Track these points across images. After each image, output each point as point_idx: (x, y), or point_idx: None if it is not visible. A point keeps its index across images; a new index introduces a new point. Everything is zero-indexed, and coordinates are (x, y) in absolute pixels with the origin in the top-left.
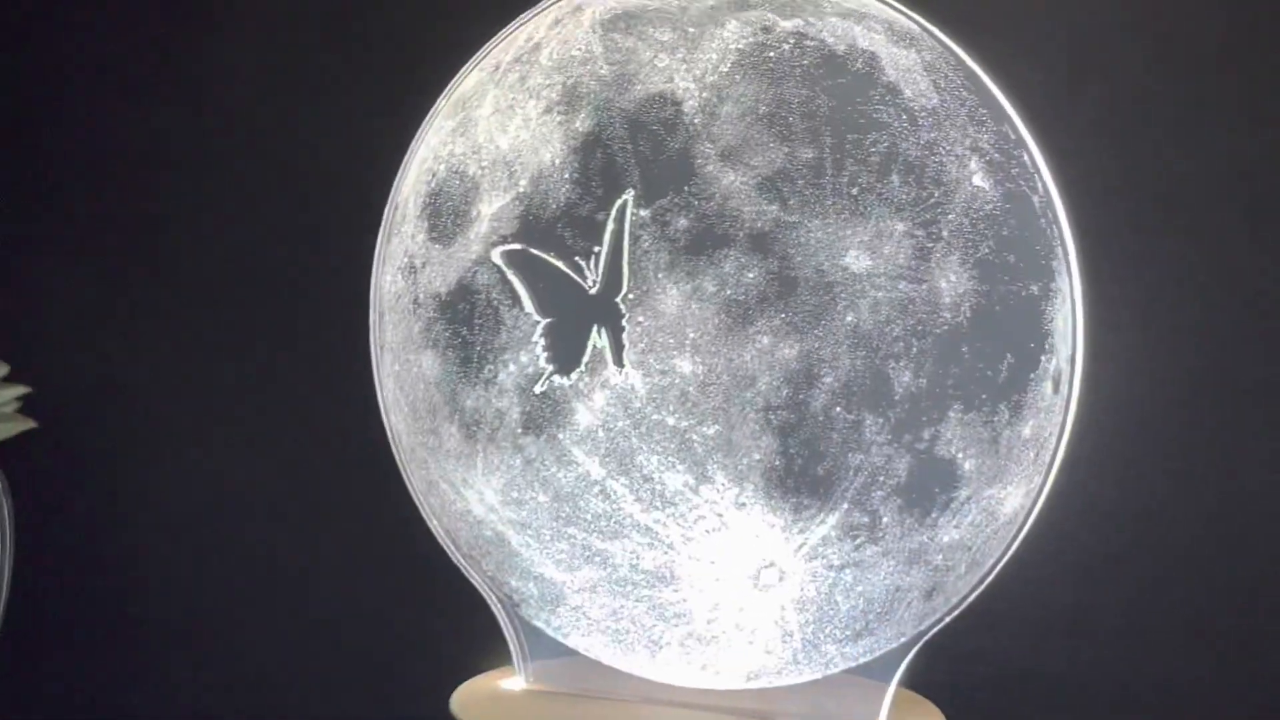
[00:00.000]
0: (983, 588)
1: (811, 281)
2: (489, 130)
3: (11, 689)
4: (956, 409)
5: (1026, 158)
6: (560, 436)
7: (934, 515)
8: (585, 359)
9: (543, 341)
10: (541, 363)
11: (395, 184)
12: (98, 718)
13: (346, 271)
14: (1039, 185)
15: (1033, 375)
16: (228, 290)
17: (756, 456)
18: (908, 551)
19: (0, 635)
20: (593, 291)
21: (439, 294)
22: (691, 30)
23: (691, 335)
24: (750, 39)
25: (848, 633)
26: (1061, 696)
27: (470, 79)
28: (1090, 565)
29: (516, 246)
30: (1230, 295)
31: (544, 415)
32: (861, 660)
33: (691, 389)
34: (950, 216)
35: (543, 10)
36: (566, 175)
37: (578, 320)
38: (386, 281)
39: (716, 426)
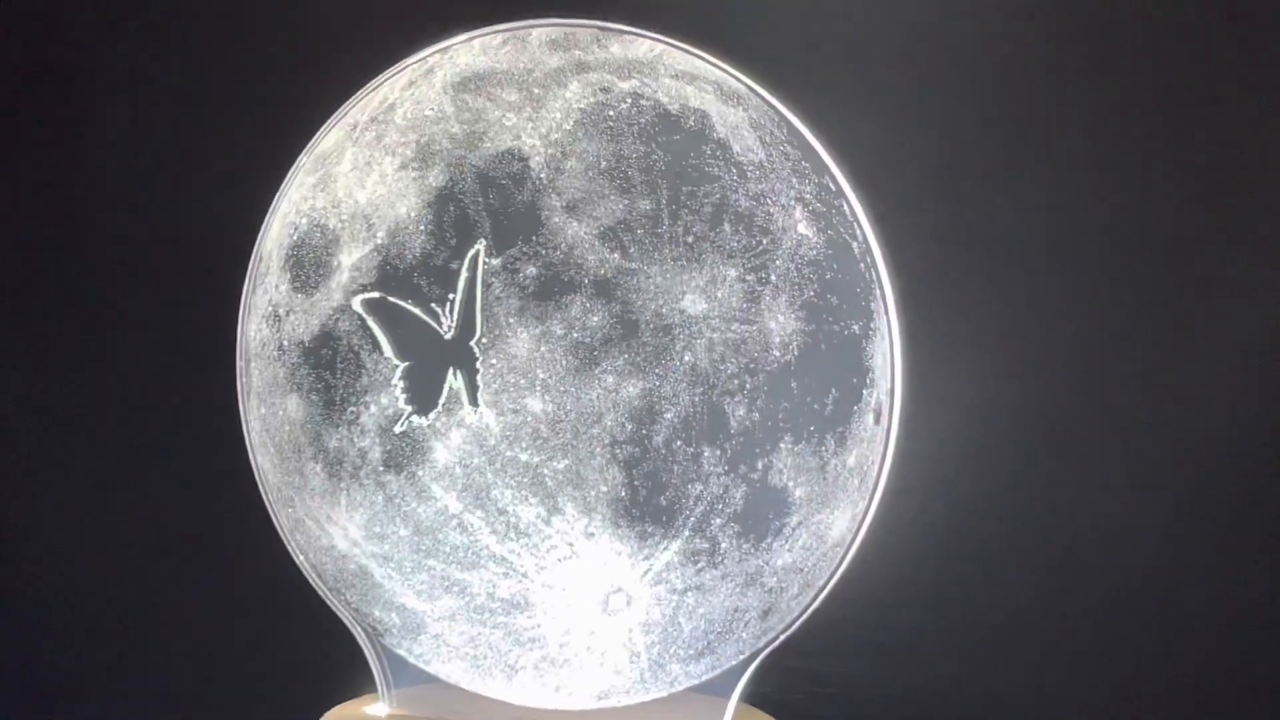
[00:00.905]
0: (814, 606)
1: (652, 324)
2: (348, 185)
3: None
4: (787, 440)
5: (846, 207)
6: (419, 473)
7: (768, 540)
8: (442, 400)
9: (402, 384)
10: (401, 404)
11: (259, 237)
12: None
13: (214, 320)
14: (858, 233)
15: (856, 408)
16: (98, 337)
17: (604, 488)
18: (745, 574)
19: None
20: (448, 336)
21: (302, 341)
22: (536, 91)
23: (541, 375)
24: (591, 99)
25: (690, 652)
26: (893, 707)
27: (330, 138)
28: (914, 583)
29: (375, 295)
30: (1034, 331)
31: (404, 453)
32: (704, 678)
33: (542, 426)
34: (778, 262)
35: (397, 73)
36: (422, 227)
37: (434, 363)
38: (252, 329)
39: (566, 461)
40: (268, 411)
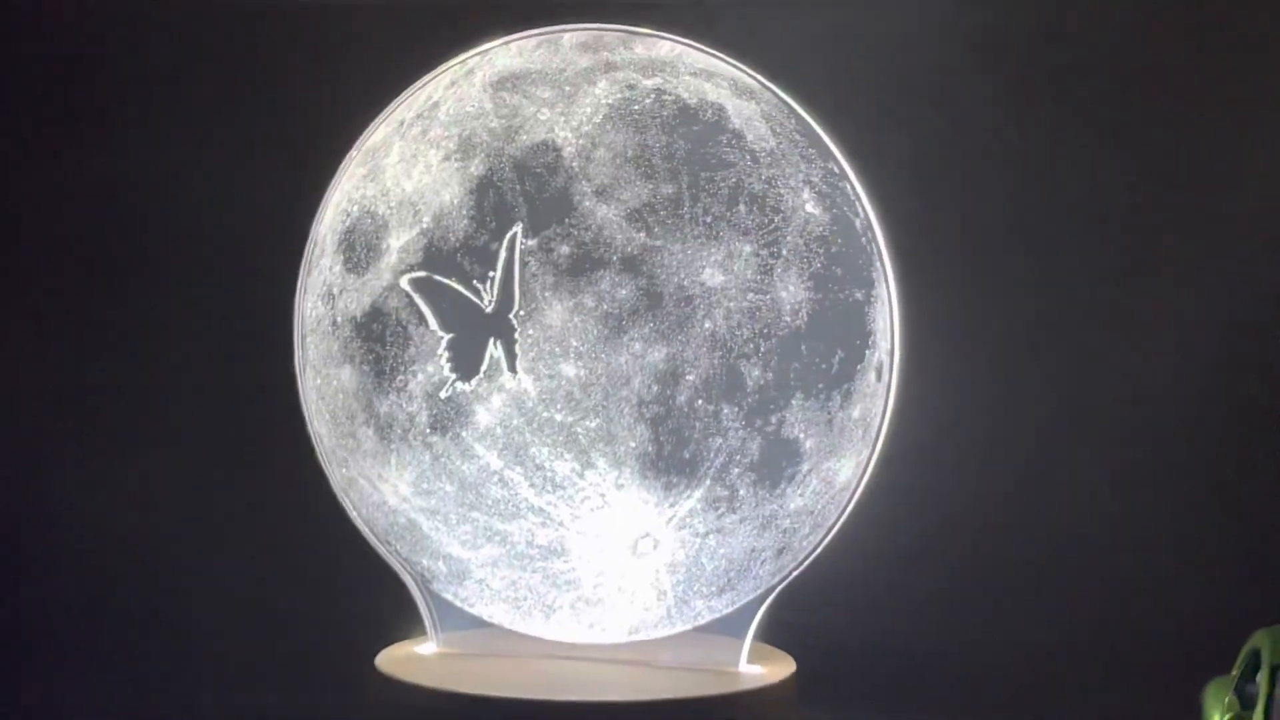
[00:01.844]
0: (823, 545)
1: (674, 296)
2: (395, 176)
3: None
4: (798, 397)
5: (849, 188)
6: (463, 434)
7: (782, 486)
8: (484, 367)
9: (446, 354)
10: (445, 372)
11: (314, 223)
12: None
13: (274, 300)
14: (860, 210)
15: (859, 367)
16: (174, 317)
17: (632, 444)
18: (761, 518)
19: None
20: (488, 310)
21: (354, 317)
22: (568, 88)
23: (574, 344)
24: (618, 95)
25: (712, 589)
26: (896, 644)
27: (379, 133)
28: (912, 524)
29: (422, 274)
30: (1019, 297)
31: (449, 417)
32: (725, 611)
33: (575, 389)
34: (788, 238)
35: (441, 73)
36: (464, 212)
37: (476, 335)
38: (308, 308)
39: (597, 420)
40: (323, 382)
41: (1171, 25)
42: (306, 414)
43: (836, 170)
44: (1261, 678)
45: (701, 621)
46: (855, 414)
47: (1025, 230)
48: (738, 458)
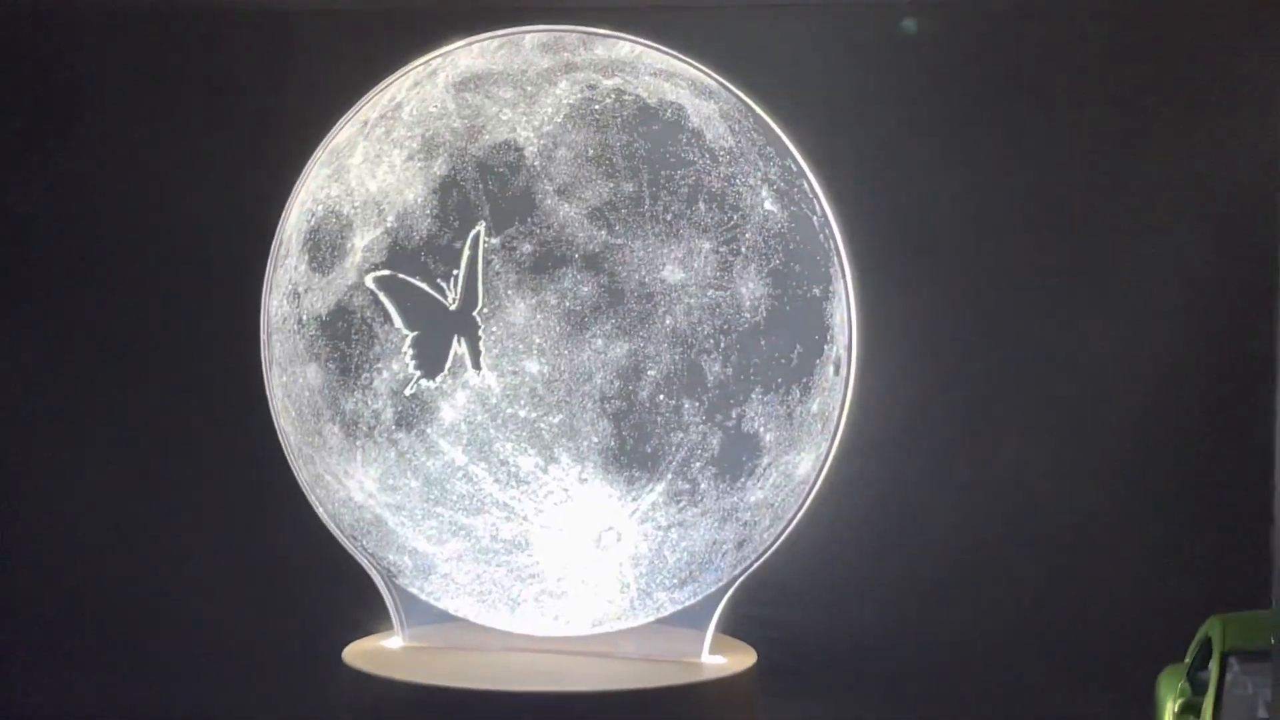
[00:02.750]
0: (783, 538)
1: (636, 292)
2: (360, 176)
3: None
4: (758, 391)
5: (806, 186)
6: (428, 430)
7: (742, 480)
8: (448, 364)
9: (411, 351)
10: (410, 369)
11: (280, 223)
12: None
13: (239, 298)
14: (817, 208)
15: (818, 361)
16: (136, 318)
17: (595, 439)
18: (722, 511)
19: None
20: (452, 308)
21: (320, 315)
22: (529, 88)
23: (537, 340)
24: (579, 95)
25: (675, 581)
26: (856, 634)
27: (343, 133)
28: (871, 517)
29: (386, 272)
30: (972, 293)
31: (414, 413)
32: (687, 603)
33: (539, 385)
34: (747, 235)
35: (404, 74)
36: (427, 211)
37: (440, 332)
38: (274, 306)
39: (560, 416)
40: (289, 379)
41: (1125, 22)
42: (273, 411)
43: (794, 168)
44: (1213, 665)
45: (664, 613)
46: (814, 408)
47: (980, 226)
48: (699, 452)
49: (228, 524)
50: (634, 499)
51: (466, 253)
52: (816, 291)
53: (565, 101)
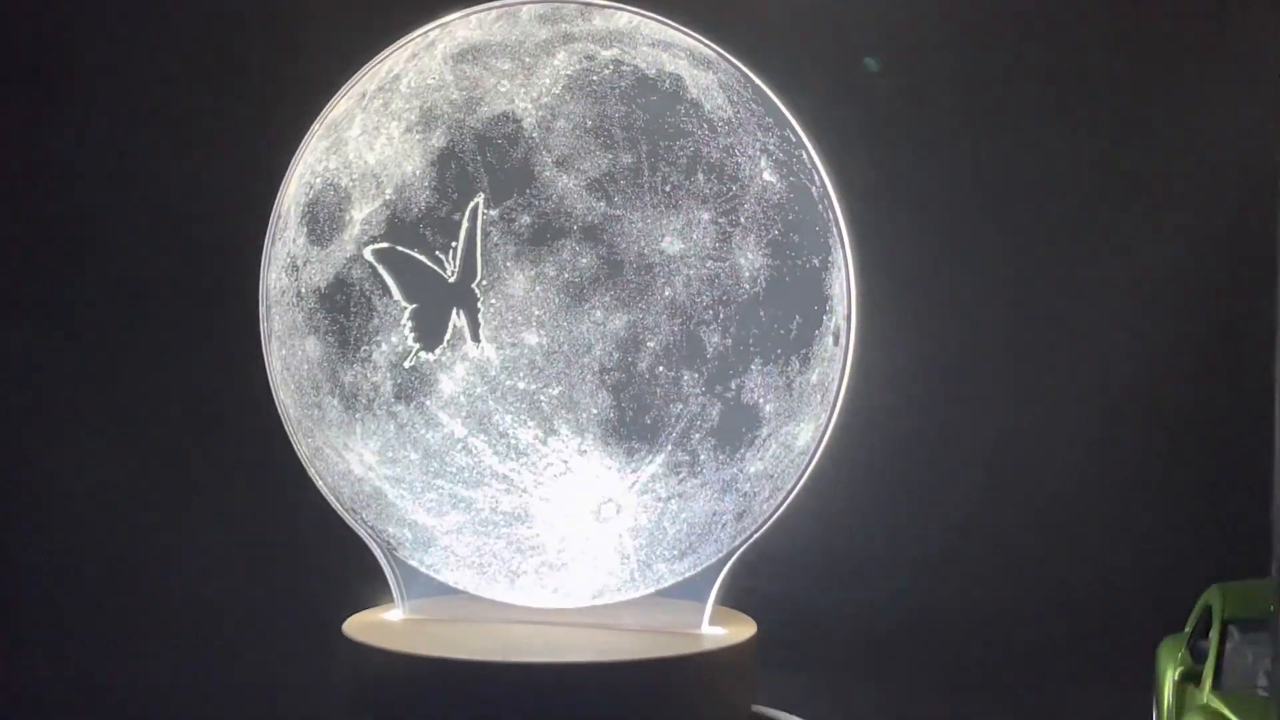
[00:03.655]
0: (783, 508)
1: (635, 264)
2: (358, 148)
3: None
4: (757, 362)
5: (805, 156)
6: (427, 403)
7: (742, 451)
8: (447, 337)
9: (410, 324)
10: (409, 342)
11: (278, 196)
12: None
13: (238, 272)
14: (816, 178)
15: (817, 332)
16: (136, 293)
17: (594, 411)
18: (722, 482)
19: None
20: (451, 280)
21: (319, 288)
22: (527, 60)
23: (536, 312)
24: (577, 66)
25: (674, 552)
26: (856, 605)
27: (341, 106)
28: (871, 487)
29: (385, 245)
30: (969, 263)
31: (413, 386)
32: (687, 575)
33: (538, 357)
34: (746, 206)
35: (401, 46)
36: (425, 184)
37: (439, 304)
38: (273, 279)
39: (560, 388)
40: (288, 352)
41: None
42: (272, 384)
43: (793, 138)
44: (1213, 634)
45: (664, 585)
46: (813, 379)
47: (979, 196)
48: (698, 423)
49: (228, 497)
50: (634, 471)
51: (465, 225)
52: (816, 262)
53: (563, 73)
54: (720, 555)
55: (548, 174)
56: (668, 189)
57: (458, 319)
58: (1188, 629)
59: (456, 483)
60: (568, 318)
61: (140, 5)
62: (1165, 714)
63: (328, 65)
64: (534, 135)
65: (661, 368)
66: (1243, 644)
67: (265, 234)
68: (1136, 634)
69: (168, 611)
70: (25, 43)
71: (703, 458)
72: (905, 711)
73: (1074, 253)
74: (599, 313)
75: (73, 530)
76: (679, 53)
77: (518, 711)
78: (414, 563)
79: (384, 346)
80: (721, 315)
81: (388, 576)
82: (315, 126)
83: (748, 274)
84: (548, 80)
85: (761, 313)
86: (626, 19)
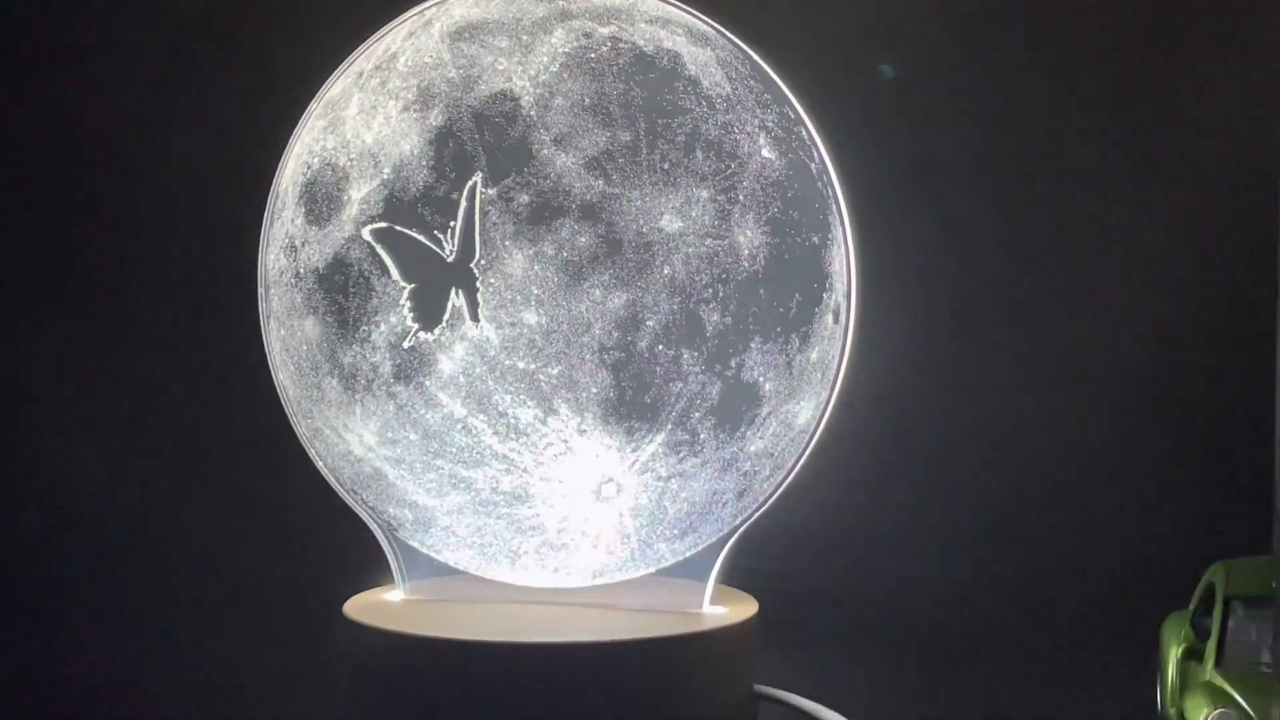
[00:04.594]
0: (784, 487)
1: (633, 242)
2: (356, 127)
3: None
4: (757, 340)
5: (804, 133)
6: (427, 383)
7: (742, 430)
8: (446, 316)
9: (409, 304)
10: (408, 322)
11: (276, 176)
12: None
13: (237, 252)
14: (815, 155)
15: (817, 309)
16: (134, 274)
17: (594, 390)
18: (722, 461)
19: None
20: (450, 259)
21: (317, 268)
22: (525, 38)
23: (535, 292)
24: (574, 44)
25: (675, 532)
26: (857, 583)
27: (338, 85)
28: (872, 466)
29: (383, 224)
30: (968, 240)
31: (412, 366)
32: (688, 554)
33: (537, 337)
34: (745, 183)
35: (398, 24)
36: (424, 163)
37: (438, 284)
38: (271, 260)
39: (559, 367)
40: (287, 333)
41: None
42: (271, 366)
43: (792, 115)
44: (1216, 611)
45: (665, 564)
46: (813, 357)
47: (979, 173)
48: (698, 402)
49: (228, 478)
50: (634, 450)
51: (463, 204)
52: (815, 239)
53: (561, 50)
54: (721, 534)
55: (546, 152)
56: (666, 167)
57: (456, 299)
58: (1191, 606)
59: (456, 463)
60: (567, 297)
61: None
62: (1169, 691)
63: (325, 44)
64: (532, 113)
65: (661, 346)
66: (1246, 621)
67: (263, 214)
68: (1140, 611)
69: (168, 593)
70: (20, 21)
71: (703, 436)
72: (907, 690)
73: (1076, 230)
74: (598, 292)
75: (73, 512)
76: (677, 29)
77: (519, 691)
78: (414, 543)
79: (383, 327)
80: (721, 293)
81: (388, 557)
82: (313, 106)
83: (747, 252)
84: (545, 58)
85: (761, 291)
86: None
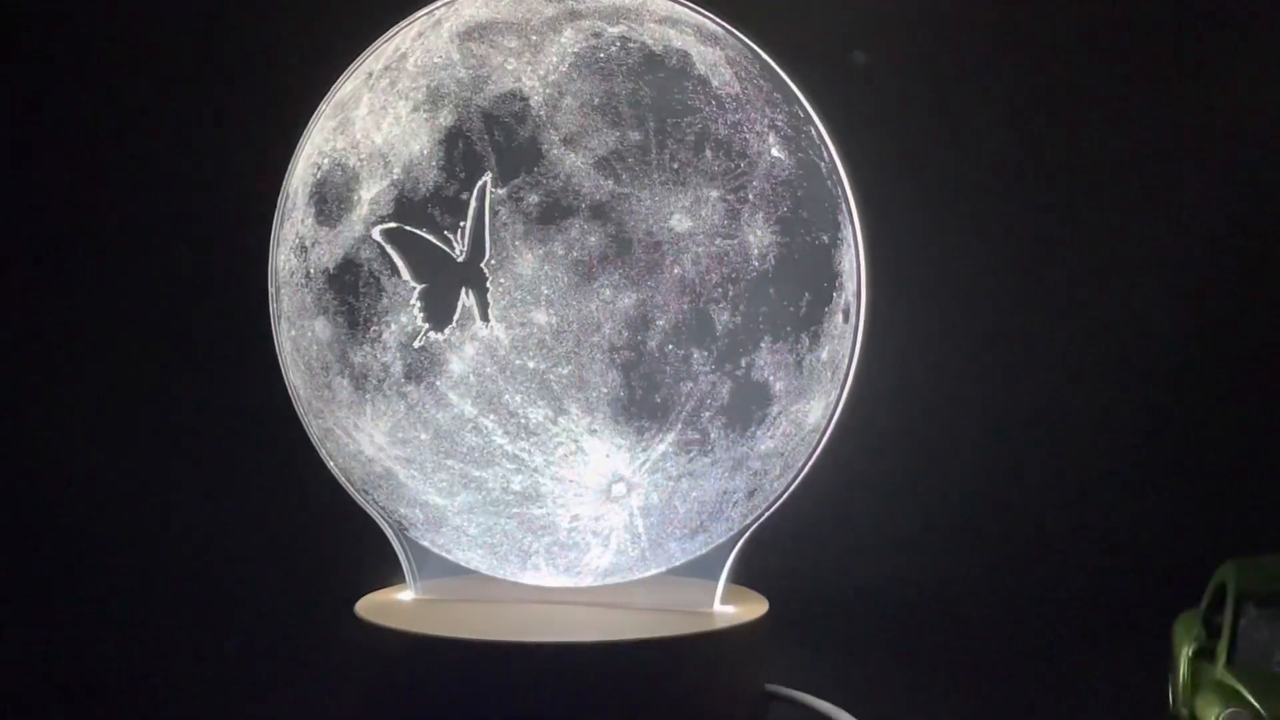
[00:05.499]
0: (794, 486)
1: (643, 242)
2: (365, 128)
3: None
4: (767, 340)
5: (814, 132)
6: (437, 383)
7: (752, 429)
8: (456, 316)
9: (419, 304)
10: (419, 321)
11: (286, 177)
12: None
13: (247, 253)
14: (825, 154)
15: (827, 309)
16: (144, 276)
17: (604, 390)
18: (732, 460)
19: None
20: (460, 259)
21: (327, 268)
22: (534, 38)
23: (545, 292)
24: (584, 43)
25: (685, 531)
26: (868, 583)
27: (347, 85)
28: (882, 465)
29: (393, 225)
30: (980, 237)
31: (423, 366)
32: (698, 553)
33: (547, 337)
34: (754, 183)
35: (408, 25)
36: (433, 163)
37: (448, 284)
38: (281, 260)
39: (570, 367)
40: (298, 333)
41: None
42: (282, 366)
43: (801, 114)
44: (1228, 609)
45: (676, 564)
46: (824, 356)
47: (989, 171)
48: (708, 401)
49: (240, 478)
50: (644, 449)
51: (473, 204)
52: (825, 238)
53: (570, 50)
54: (731, 534)
55: (555, 152)
56: (675, 166)
57: (467, 298)
58: (1203, 604)
59: (467, 463)
60: (577, 296)
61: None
62: (1180, 689)
63: (334, 45)
64: (541, 113)
65: (671, 346)
66: (1258, 619)
67: (274, 215)
68: (1152, 609)
69: (180, 593)
70: (29, 24)
71: (713, 436)
72: (918, 688)
73: (1086, 227)
74: (608, 291)
75: (85, 513)
76: (686, 28)
77: (529, 691)
78: (425, 543)
79: (393, 327)
80: (731, 293)
81: (399, 557)
82: (322, 106)
83: (757, 251)
84: (554, 58)
85: (771, 290)
86: None
